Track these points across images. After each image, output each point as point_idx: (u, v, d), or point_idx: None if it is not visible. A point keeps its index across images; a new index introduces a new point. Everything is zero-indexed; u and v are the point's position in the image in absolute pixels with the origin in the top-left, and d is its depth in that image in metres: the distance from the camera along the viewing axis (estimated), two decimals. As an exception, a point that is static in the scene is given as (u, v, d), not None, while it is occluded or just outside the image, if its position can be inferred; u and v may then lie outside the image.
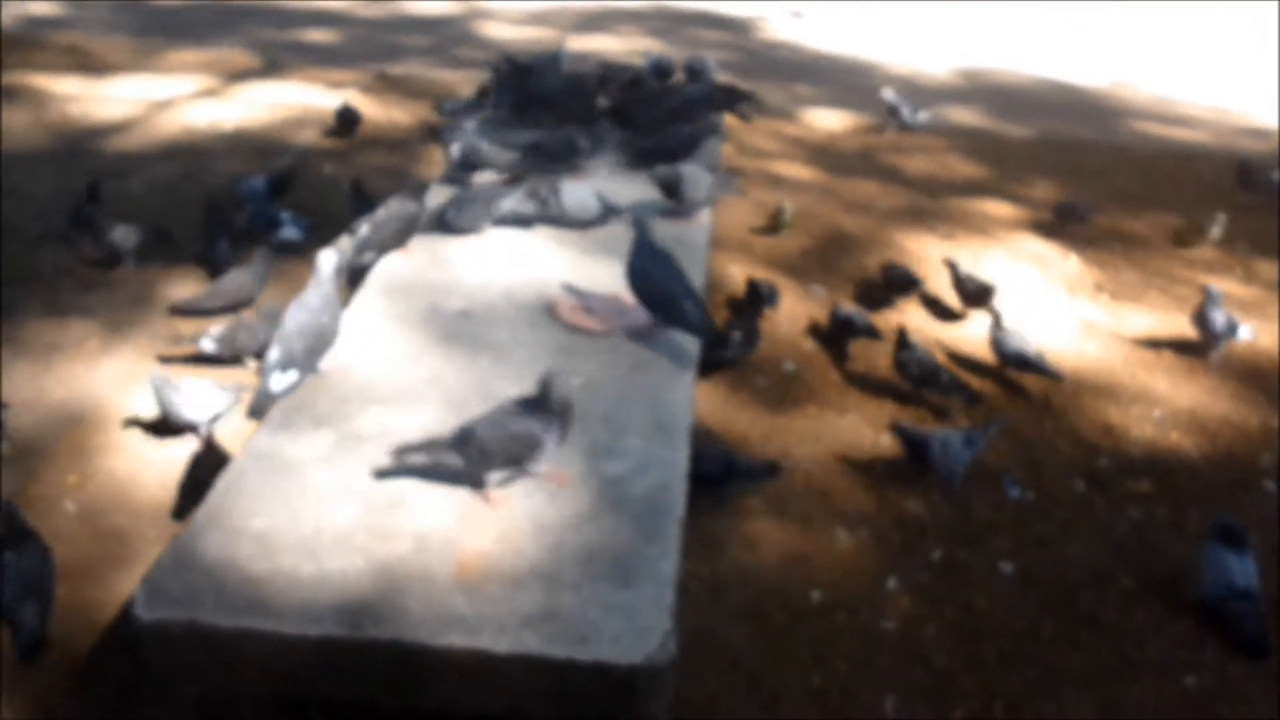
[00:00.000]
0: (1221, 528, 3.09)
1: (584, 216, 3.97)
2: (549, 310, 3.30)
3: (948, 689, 2.80)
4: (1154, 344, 4.38)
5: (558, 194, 3.95)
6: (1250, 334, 4.25)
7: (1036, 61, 8.45)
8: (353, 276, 3.62)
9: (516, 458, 2.52)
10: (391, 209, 3.71)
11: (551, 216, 3.94)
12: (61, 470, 3.36)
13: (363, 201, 4.53)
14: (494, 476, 2.56)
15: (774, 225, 4.99)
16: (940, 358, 4.06)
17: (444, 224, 3.86)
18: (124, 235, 4.39)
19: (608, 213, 4.00)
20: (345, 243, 3.70)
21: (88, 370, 3.80)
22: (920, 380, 3.86)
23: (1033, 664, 2.90)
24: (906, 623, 3.00)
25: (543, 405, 2.54)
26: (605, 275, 3.51)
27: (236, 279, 4.14)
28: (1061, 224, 5.37)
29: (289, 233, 4.64)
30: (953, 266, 4.48)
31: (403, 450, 2.55)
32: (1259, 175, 5.78)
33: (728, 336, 3.90)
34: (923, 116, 6.47)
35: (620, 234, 3.84)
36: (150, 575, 2.31)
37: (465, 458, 2.51)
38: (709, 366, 3.69)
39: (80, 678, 2.69)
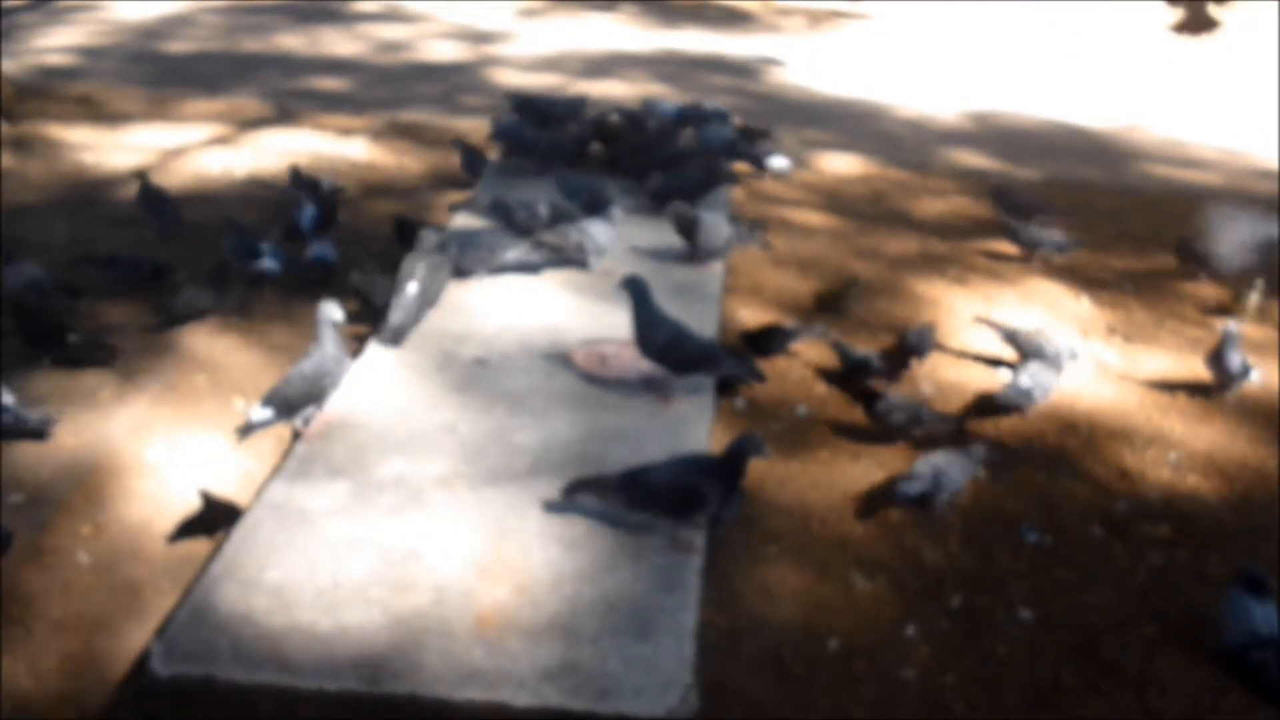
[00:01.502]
0: (1246, 574, 3.06)
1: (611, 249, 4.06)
2: (566, 359, 3.31)
3: (969, 739, 2.76)
4: (1168, 386, 4.36)
5: (585, 232, 4.00)
6: (1258, 377, 4.23)
7: (1045, 104, 8.50)
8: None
9: (679, 509, 2.51)
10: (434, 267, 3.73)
11: (553, 261, 3.96)
12: (75, 520, 3.35)
13: (407, 234, 4.61)
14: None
15: (839, 296, 4.90)
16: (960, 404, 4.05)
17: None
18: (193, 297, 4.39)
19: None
20: (400, 307, 3.73)
21: (101, 420, 3.80)
22: (907, 423, 3.86)
23: (1055, 713, 2.86)
24: (926, 671, 2.97)
25: (721, 467, 2.59)
26: (620, 321, 3.51)
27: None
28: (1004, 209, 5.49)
29: (267, 264, 4.67)
30: (996, 327, 4.45)
31: (573, 487, 2.55)
32: (1196, 247, 5.49)
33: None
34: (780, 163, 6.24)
35: (622, 270, 3.86)
36: (166, 629, 2.30)
37: (629, 500, 2.51)
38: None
39: (93, 733, 2.67)
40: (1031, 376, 4.03)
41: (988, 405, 4.13)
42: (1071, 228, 5.68)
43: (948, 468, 3.52)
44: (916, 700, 2.88)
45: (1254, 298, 4.96)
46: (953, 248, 5.51)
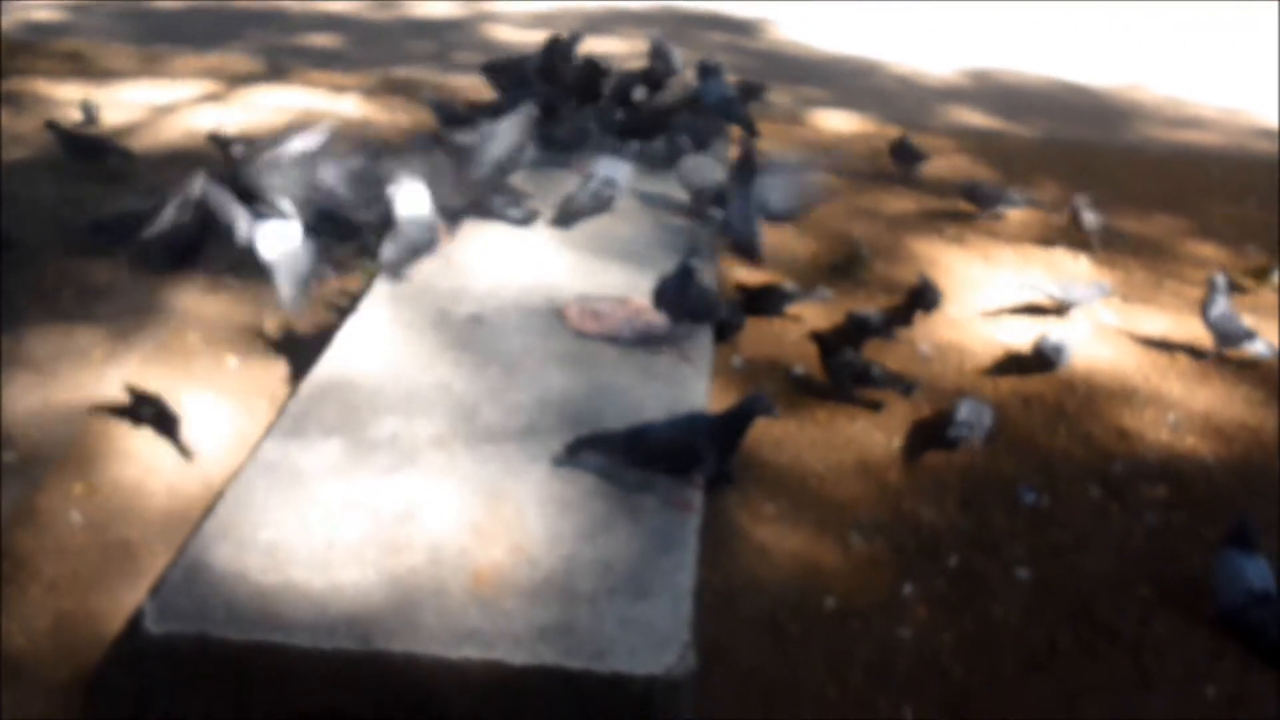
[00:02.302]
0: (1234, 529, 3.05)
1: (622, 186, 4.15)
2: (558, 316, 3.27)
3: (966, 700, 2.76)
4: (1167, 347, 4.34)
5: (594, 173, 4.14)
6: (1266, 349, 4.18)
7: (1045, 61, 8.41)
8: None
9: (681, 467, 2.57)
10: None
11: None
12: (67, 480, 3.33)
13: None
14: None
15: (847, 263, 4.85)
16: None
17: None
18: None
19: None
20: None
21: (94, 379, 3.77)
22: (855, 380, 3.85)
23: (1051, 675, 2.86)
24: (923, 631, 2.97)
25: (725, 426, 2.68)
26: (615, 280, 3.48)
27: None
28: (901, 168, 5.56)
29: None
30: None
31: (577, 445, 2.55)
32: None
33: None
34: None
35: (629, 234, 3.83)
36: (159, 588, 2.29)
37: (633, 458, 2.50)
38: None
39: (86, 692, 2.66)
40: (1061, 335, 4.05)
41: (993, 364, 4.12)
42: (1067, 191, 5.64)
43: (981, 412, 3.63)
44: (913, 660, 2.88)
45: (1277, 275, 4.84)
46: (951, 206, 5.46)
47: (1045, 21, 9.57)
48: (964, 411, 3.63)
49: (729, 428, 2.84)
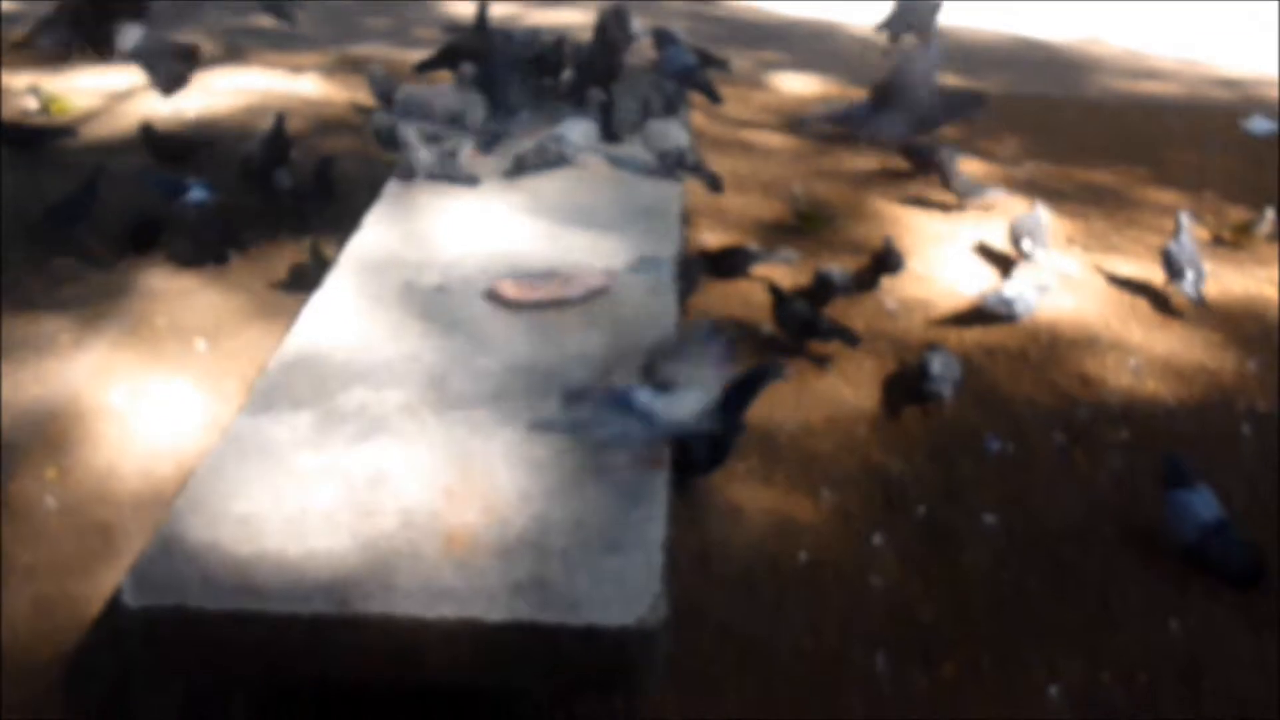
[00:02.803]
0: (1169, 472, 3.14)
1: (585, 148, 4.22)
2: (491, 295, 3.24)
3: (937, 644, 2.83)
4: (1128, 293, 4.41)
5: (559, 134, 4.19)
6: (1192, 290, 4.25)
7: (1003, 19, 8.44)
8: None
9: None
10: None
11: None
12: (39, 466, 3.33)
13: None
14: None
15: (800, 219, 4.87)
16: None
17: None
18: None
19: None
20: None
21: (61, 365, 3.76)
22: (800, 331, 3.92)
23: (1019, 616, 2.93)
24: (893, 580, 3.03)
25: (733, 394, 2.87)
26: (581, 242, 3.51)
27: None
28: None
29: (195, 195, 4.64)
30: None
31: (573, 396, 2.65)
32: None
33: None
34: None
35: (595, 200, 3.85)
36: (136, 563, 2.30)
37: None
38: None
39: (69, 673, 2.68)
40: (1016, 289, 4.09)
41: (957, 318, 4.18)
42: (1031, 145, 5.69)
43: (951, 364, 3.71)
44: (884, 608, 2.94)
45: (1263, 226, 4.86)
46: (912, 164, 5.49)
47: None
48: (937, 365, 3.68)
49: (738, 397, 2.92)
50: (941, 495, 3.34)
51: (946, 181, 5.05)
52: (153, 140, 5.24)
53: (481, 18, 5.26)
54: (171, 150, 5.26)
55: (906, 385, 3.75)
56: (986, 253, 4.69)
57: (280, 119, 5.04)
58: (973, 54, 7.59)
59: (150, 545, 2.34)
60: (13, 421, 3.49)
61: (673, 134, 4.30)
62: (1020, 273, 4.33)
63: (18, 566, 2.98)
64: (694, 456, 2.96)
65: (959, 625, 2.88)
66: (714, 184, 4.32)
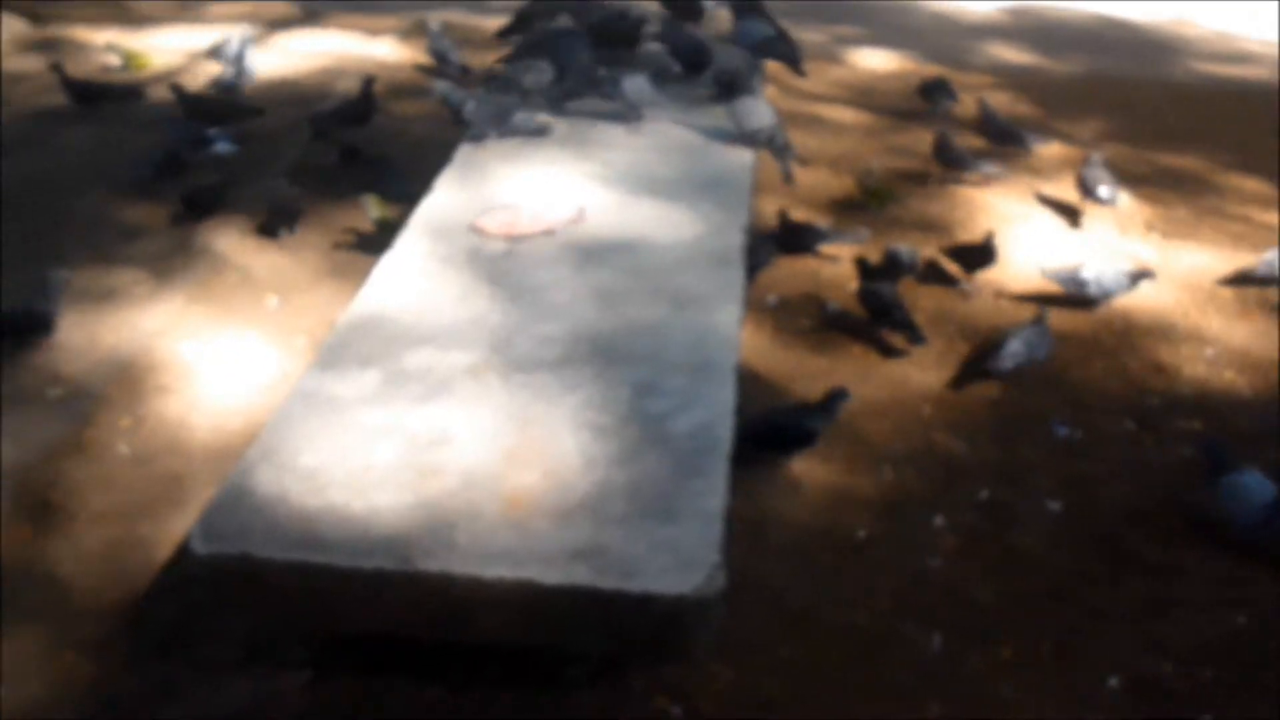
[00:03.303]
0: (1213, 461, 3.10)
1: (641, 101, 4.32)
2: (475, 231, 3.37)
3: (994, 627, 2.80)
4: (1207, 282, 4.30)
5: (618, 83, 4.30)
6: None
7: (1088, -3, 8.24)
8: None
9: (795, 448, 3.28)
10: None
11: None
12: (115, 414, 3.41)
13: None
14: None
15: (869, 195, 4.81)
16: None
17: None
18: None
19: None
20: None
21: (137, 316, 3.85)
22: (878, 313, 3.87)
23: (1079, 602, 2.89)
24: (952, 561, 3.00)
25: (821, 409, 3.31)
26: (648, 212, 3.51)
27: None
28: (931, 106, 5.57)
29: (221, 147, 4.78)
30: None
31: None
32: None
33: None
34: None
35: (664, 170, 3.84)
36: (206, 512, 2.36)
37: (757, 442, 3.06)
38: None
39: (136, 617, 2.76)
40: (1094, 270, 4.06)
41: (1028, 299, 4.11)
42: (1109, 127, 5.56)
43: (1034, 340, 3.68)
44: (941, 588, 2.92)
45: None
46: (991, 145, 5.39)
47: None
48: (1012, 344, 3.65)
49: (826, 412, 3.29)
50: (1004, 478, 3.29)
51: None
52: (186, 102, 5.21)
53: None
54: (209, 113, 5.25)
55: (979, 365, 3.71)
56: (1060, 233, 4.60)
57: (369, 81, 5.08)
58: (1052, 33, 7.43)
59: (219, 495, 2.40)
60: (90, 370, 3.58)
61: (761, 111, 4.25)
62: (1095, 257, 4.24)
63: (91, 510, 3.07)
64: (787, 440, 3.27)
65: (1018, 609, 2.84)
66: (788, 177, 4.31)
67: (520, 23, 5.25)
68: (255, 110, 5.21)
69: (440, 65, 6.02)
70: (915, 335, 3.81)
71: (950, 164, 5.01)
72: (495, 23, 5.59)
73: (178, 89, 5.21)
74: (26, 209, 4.54)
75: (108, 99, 5.53)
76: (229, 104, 5.38)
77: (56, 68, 5.51)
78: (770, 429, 3.23)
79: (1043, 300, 4.05)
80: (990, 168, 4.99)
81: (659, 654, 2.42)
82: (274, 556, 2.22)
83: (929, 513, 3.15)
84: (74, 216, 4.51)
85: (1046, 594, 2.91)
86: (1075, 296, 4.02)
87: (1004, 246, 4.29)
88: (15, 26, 6.55)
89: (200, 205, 4.46)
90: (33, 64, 6.09)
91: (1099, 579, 2.95)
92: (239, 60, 5.84)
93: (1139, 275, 4.09)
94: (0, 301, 3.74)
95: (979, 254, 4.19)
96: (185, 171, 4.69)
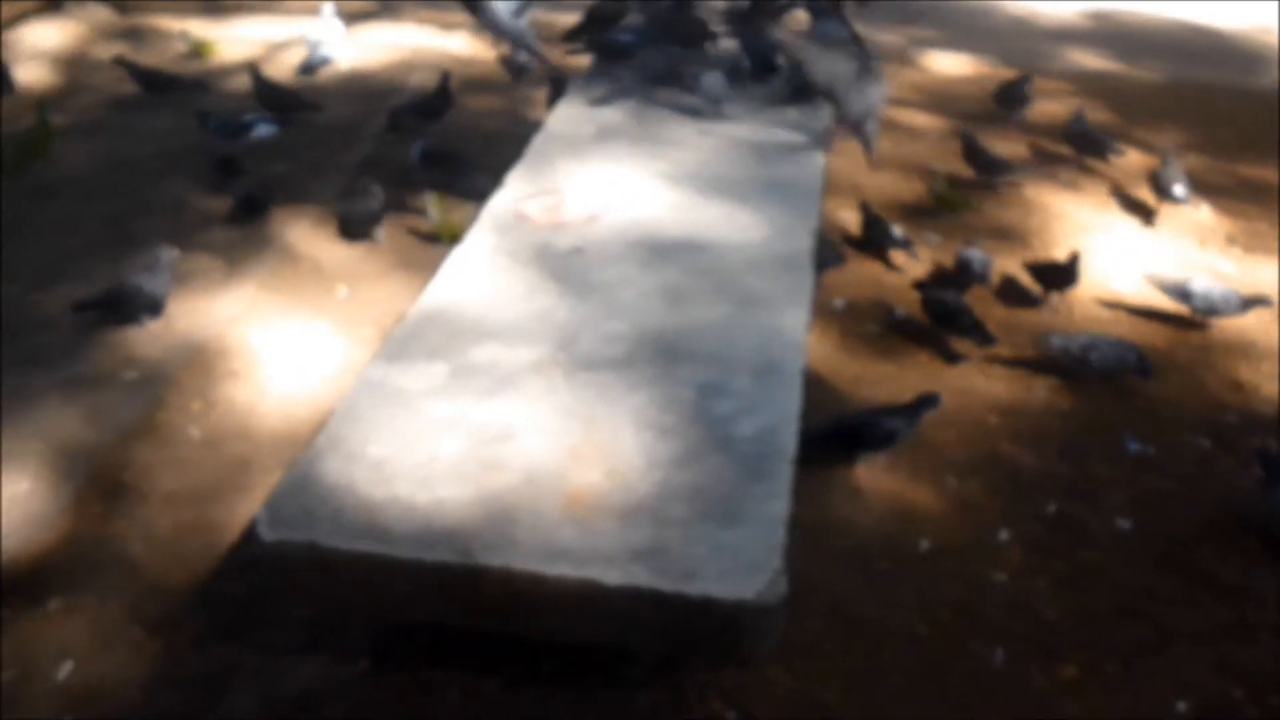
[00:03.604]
0: (1272, 467, 3.07)
1: (715, 95, 4.33)
2: (520, 218, 3.44)
3: (1059, 643, 2.75)
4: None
5: (698, 77, 4.35)
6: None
7: (1170, 2, 8.06)
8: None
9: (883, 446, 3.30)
10: None
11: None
12: (186, 398, 3.48)
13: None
14: None
15: (939, 200, 4.74)
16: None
17: None
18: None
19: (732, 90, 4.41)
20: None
21: (210, 303, 3.92)
22: (943, 319, 3.82)
23: (1147, 622, 2.82)
24: (1017, 575, 2.95)
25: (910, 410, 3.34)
26: (716, 213, 3.49)
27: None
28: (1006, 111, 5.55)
29: (262, 130, 4.85)
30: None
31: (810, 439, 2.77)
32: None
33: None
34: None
35: (733, 172, 3.81)
36: (272, 498, 2.38)
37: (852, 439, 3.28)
38: None
39: (202, 598, 2.81)
40: (1204, 286, 3.97)
41: (1102, 310, 4.03)
42: (1190, 137, 5.43)
43: (1098, 346, 3.64)
44: (1005, 602, 2.87)
45: None
46: (1068, 152, 5.30)
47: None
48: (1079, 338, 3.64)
49: (911, 416, 3.32)
50: (1073, 493, 3.23)
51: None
52: (261, 88, 5.35)
53: None
54: (278, 102, 5.36)
55: (1044, 376, 3.64)
56: (1139, 245, 4.50)
57: (446, 76, 5.13)
58: (1133, 38, 7.27)
59: (286, 482, 2.42)
60: (164, 354, 3.66)
61: (874, 92, 4.23)
62: (1198, 274, 4.12)
63: (161, 491, 3.14)
64: (867, 440, 3.27)
65: (1083, 627, 2.79)
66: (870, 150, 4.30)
67: (590, 22, 5.25)
68: (313, 106, 5.33)
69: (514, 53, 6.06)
70: (985, 337, 3.76)
71: (981, 167, 4.95)
72: (569, 19, 5.60)
73: (255, 72, 5.31)
74: (105, 193, 4.65)
75: (176, 88, 5.63)
76: (295, 96, 5.48)
77: (121, 60, 5.65)
78: (850, 428, 3.26)
79: (1114, 310, 3.97)
80: (1020, 173, 4.97)
81: (717, 657, 2.41)
82: (338, 545, 2.24)
83: (994, 525, 3.10)
84: (150, 202, 4.60)
85: (1114, 612, 2.85)
86: (1181, 314, 3.94)
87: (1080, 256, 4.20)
88: (101, 14, 6.70)
89: (256, 205, 4.50)
90: (115, 50, 6.24)
91: (1170, 598, 2.88)
92: (321, 46, 5.96)
93: (1253, 301, 3.93)
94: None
95: (1062, 273, 4.07)
96: (240, 170, 4.72)
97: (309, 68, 5.94)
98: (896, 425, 3.28)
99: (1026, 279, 4.15)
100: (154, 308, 3.75)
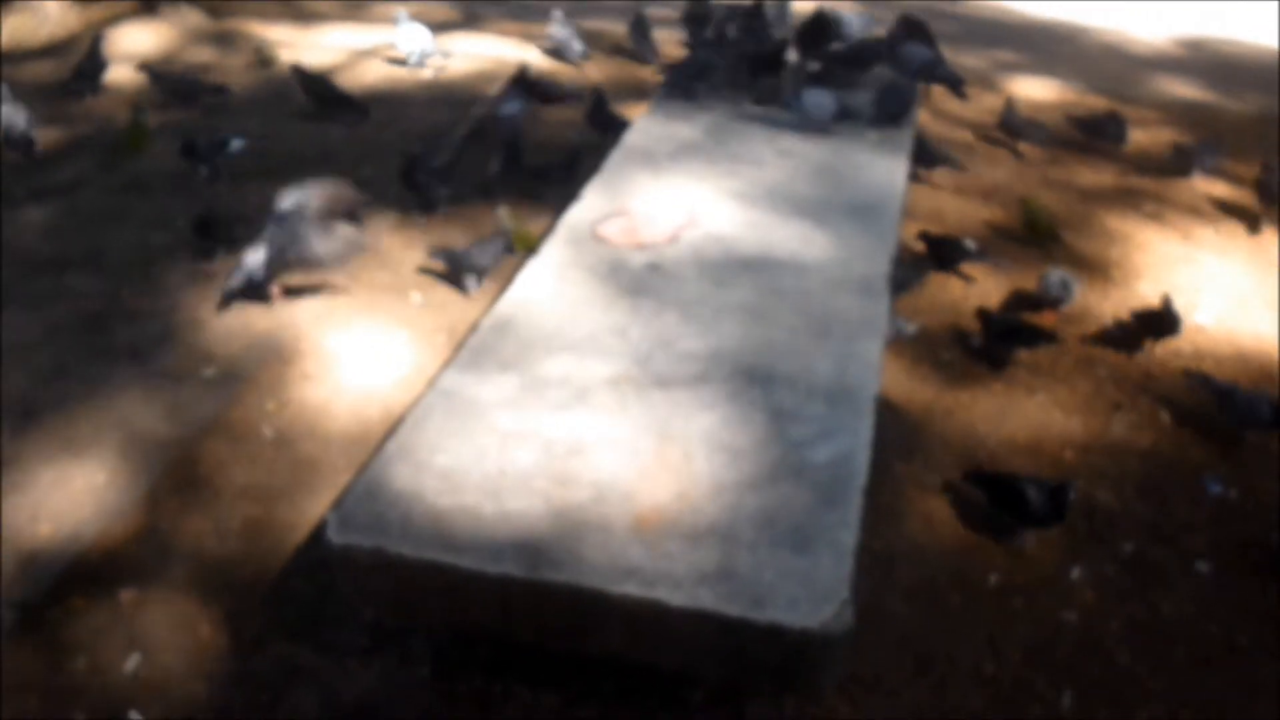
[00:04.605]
0: None
1: (821, 115, 4.36)
2: (597, 239, 3.43)
3: (1130, 690, 2.67)
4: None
5: (799, 96, 4.40)
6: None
7: (1268, 31, 7.85)
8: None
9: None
10: None
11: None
12: (261, 397, 3.53)
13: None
14: None
15: (1029, 226, 4.68)
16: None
17: None
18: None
19: (843, 114, 4.39)
20: None
21: (288, 305, 3.96)
22: (1000, 337, 3.80)
23: (1225, 672, 2.73)
24: (1089, 616, 2.87)
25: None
26: (792, 232, 3.47)
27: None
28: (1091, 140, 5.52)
29: (236, 145, 4.90)
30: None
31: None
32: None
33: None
34: (578, 48, 6.42)
35: (808, 191, 3.79)
36: (342, 502, 2.40)
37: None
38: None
39: (269, 596, 2.84)
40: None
41: (1187, 345, 3.94)
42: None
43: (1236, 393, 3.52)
44: (1077, 644, 2.80)
45: None
46: (1153, 182, 5.19)
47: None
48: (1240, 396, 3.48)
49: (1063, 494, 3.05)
50: (1150, 533, 3.15)
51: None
52: (305, 83, 5.55)
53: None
54: (325, 98, 5.55)
55: (1124, 412, 3.56)
56: (1223, 277, 4.39)
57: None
58: (1228, 68, 7.10)
59: (356, 486, 2.44)
60: (241, 353, 3.71)
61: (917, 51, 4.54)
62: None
63: (234, 488, 3.18)
64: (1031, 510, 3.04)
65: (1158, 674, 2.71)
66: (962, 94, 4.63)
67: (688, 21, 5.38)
68: (362, 109, 5.51)
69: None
70: (1046, 336, 3.78)
71: (1013, 133, 5.39)
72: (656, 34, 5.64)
73: (299, 71, 5.55)
74: (190, 191, 4.75)
75: (349, 106, 5.64)
76: (342, 95, 5.62)
77: (298, 69, 5.69)
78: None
79: (1199, 343, 3.86)
80: (1039, 140, 5.36)
81: (781, 685, 2.38)
82: (405, 553, 2.25)
83: (1067, 563, 3.03)
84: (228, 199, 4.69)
85: (1190, 661, 2.76)
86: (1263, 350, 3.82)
87: (1165, 289, 4.11)
88: (193, 18, 6.86)
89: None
90: (206, 54, 6.38)
91: (1249, 649, 2.79)
92: (415, 53, 6.22)
93: None
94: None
95: (1158, 322, 3.90)
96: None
97: (415, 65, 6.20)
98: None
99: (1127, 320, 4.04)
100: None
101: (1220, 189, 5.08)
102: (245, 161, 4.90)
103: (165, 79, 5.76)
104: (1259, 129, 6.02)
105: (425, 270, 4.17)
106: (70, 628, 2.72)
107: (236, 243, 4.05)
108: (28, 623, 2.73)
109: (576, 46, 6.45)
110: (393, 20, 6.41)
